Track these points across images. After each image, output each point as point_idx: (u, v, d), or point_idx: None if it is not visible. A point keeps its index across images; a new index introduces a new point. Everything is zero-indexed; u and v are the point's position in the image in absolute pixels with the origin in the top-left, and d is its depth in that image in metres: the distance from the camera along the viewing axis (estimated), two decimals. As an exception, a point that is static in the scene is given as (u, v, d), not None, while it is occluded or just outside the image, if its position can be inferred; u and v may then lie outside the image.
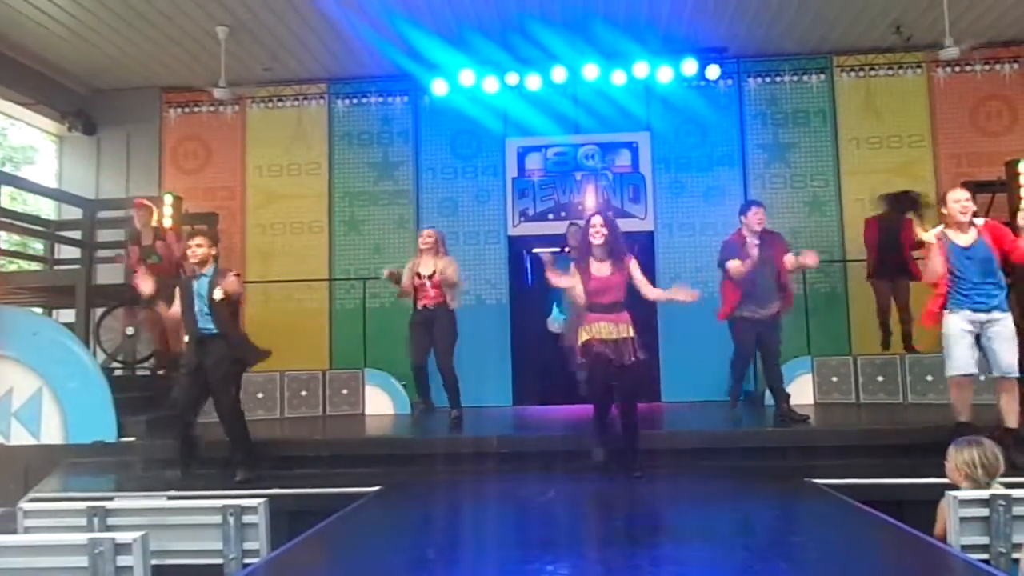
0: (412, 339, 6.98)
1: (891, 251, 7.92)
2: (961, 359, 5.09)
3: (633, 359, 5.24)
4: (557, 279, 5.56)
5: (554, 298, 7.87)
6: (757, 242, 6.26)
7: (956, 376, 5.14)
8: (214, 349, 5.66)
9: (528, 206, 9.48)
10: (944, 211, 5.29)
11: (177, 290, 5.91)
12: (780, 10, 8.20)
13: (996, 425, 5.09)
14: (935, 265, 5.21)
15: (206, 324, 5.71)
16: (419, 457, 5.97)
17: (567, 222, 8.64)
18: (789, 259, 6.34)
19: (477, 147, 9.62)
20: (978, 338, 5.15)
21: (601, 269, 5.36)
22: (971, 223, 5.23)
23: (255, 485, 5.26)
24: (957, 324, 5.12)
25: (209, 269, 5.84)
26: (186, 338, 5.96)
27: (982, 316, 5.10)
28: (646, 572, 3.28)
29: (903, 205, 7.97)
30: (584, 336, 5.31)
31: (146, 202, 8.19)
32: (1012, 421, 5.12)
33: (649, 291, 5.46)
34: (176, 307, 5.87)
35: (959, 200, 5.22)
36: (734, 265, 6.29)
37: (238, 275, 6.02)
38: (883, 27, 8.62)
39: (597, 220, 5.40)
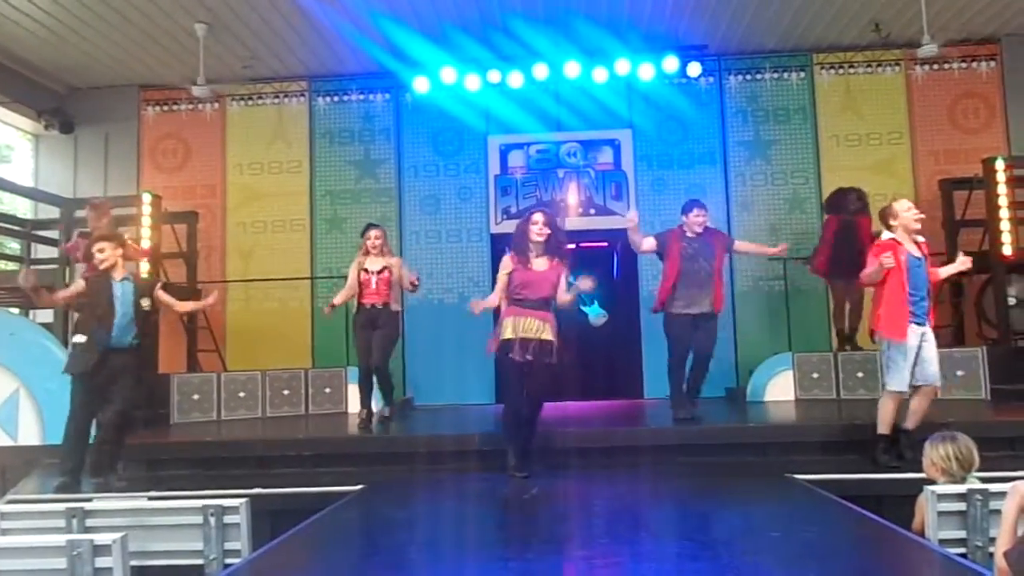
0: (359, 341, 6.66)
1: (848, 250, 7.94)
2: (907, 377, 5.21)
3: (549, 361, 5.24)
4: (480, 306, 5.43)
5: (584, 299, 7.57)
6: (690, 237, 6.44)
7: (900, 392, 5.24)
8: (122, 361, 5.41)
9: (511, 203, 9.48)
10: (894, 222, 5.33)
11: (81, 283, 5.56)
12: (760, 7, 8.24)
13: (892, 427, 5.29)
14: (875, 272, 5.25)
15: (123, 335, 5.44)
16: (401, 456, 5.96)
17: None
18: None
19: (459, 145, 9.61)
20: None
21: (536, 264, 5.36)
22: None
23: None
24: (911, 340, 5.20)
25: (127, 273, 5.60)
26: (81, 339, 5.43)
27: (921, 329, 5.22)
28: (628, 568, 3.29)
29: (859, 204, 8.06)
30: (508, 333, 5.27)
31: (96, 203, 8.03)
32: (913, 423, 5.29)
33: (562, 295, 5.39)
34: (62, 295, 5.62)
35: (912, 209, 5.33)
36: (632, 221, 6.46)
37: (164, 285, 5.78)
38: (862, 25, 8.69)
39: (540, 218, 5.38)
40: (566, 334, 5.51)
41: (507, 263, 5.41)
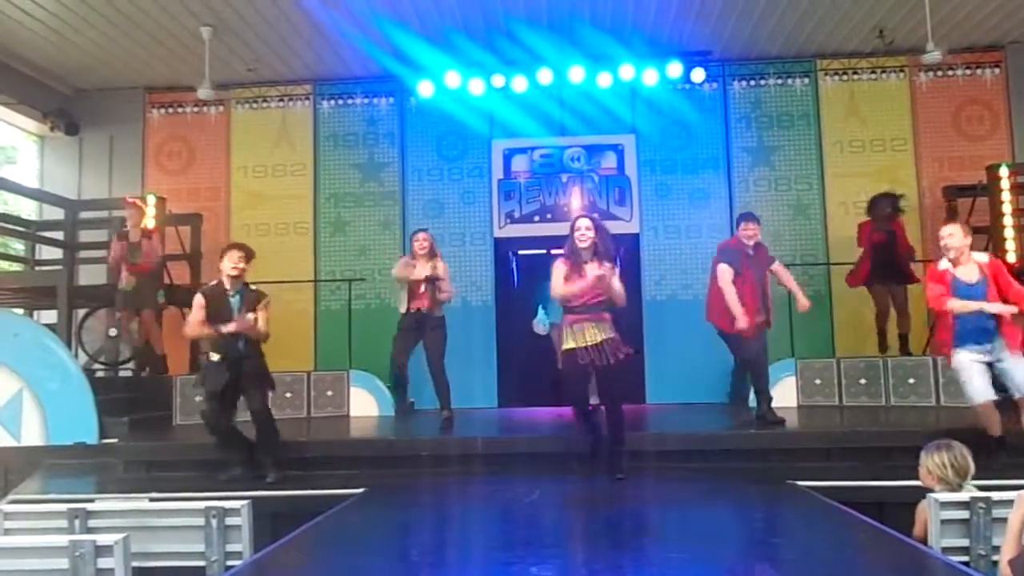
0: (399, 339, 7.00)
1: (886, 255, 7.96)
2: (980, 388, 5.21)
3: (622, 356, 5.25)
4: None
5: (540, 300, 7.87)
6: (751, 253, 6.37)
7: (980, 403, 5.22)
8: (248, 366, 5.62)
9: (514, 208, 9.48)
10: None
11: (201, 298, 5.63)
12: (764, 14, 8.25)
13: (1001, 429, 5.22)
14: (934, 296, 5.34)
15: (239, 344, 5.58)
16: (404, 459, 5.96)
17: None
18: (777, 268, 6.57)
19: (463, 149, 9.62)
20: (990, 364, 5.26)
21: (587, 271, 5.36)
22: (970, 259, 5.30)
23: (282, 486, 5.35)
24: (967, 357, 5.24)
25: (240, 287, 5.71)
26: (215, 357, 5.63)
27: (987, 346, 5.23)
28: (629, 573, 3.29)
29: (891, 206, 8.04)
30: (570, 343, 5.31)
31: (139, 202, 8.21)
32: None
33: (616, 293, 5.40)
34: (196, 316, 5.61)
35: (942, 236, 5.37)
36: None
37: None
38: (866, 31, 8.69)
39: (583, 223, 5.40)
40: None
41: (560, 266, 5.41)
